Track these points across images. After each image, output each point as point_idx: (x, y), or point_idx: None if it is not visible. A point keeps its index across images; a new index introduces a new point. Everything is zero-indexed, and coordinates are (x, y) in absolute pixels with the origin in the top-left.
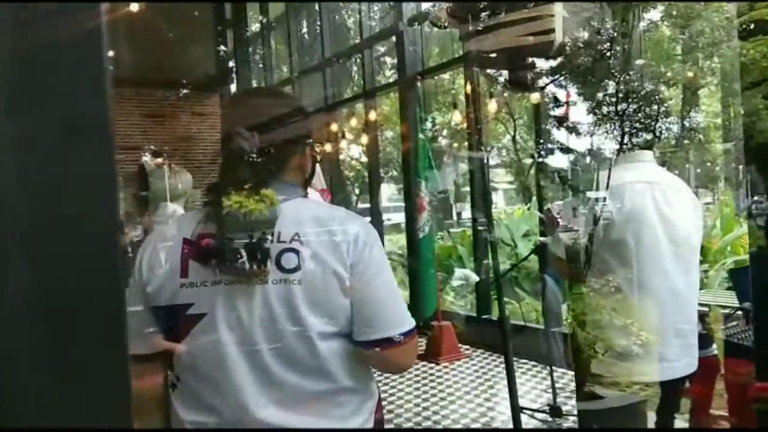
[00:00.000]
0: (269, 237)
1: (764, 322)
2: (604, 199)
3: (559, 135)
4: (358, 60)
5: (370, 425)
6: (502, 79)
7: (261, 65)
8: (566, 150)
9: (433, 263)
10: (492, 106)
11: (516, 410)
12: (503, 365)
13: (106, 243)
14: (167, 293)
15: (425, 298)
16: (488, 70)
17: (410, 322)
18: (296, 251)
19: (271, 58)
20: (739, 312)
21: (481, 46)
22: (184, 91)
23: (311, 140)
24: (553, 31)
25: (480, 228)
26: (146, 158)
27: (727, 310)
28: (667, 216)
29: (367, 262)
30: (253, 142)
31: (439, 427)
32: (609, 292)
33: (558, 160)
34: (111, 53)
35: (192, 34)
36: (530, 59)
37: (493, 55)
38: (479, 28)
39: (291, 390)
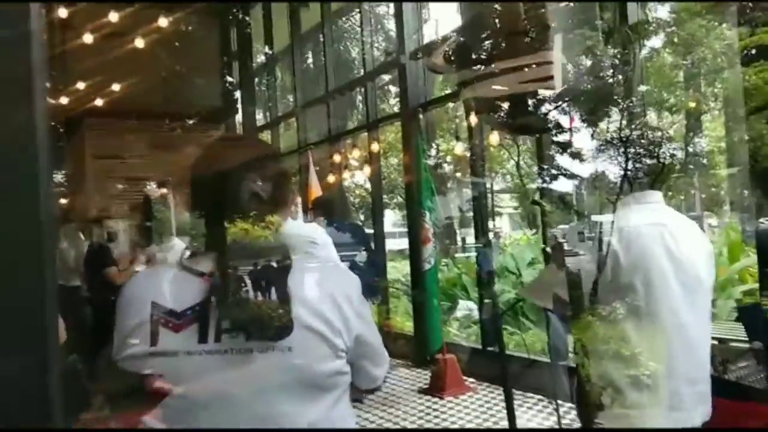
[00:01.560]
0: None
1: None
2: (609, 241)
3: (563, 160)
4: (362, 91)
5: None
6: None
7: (266, 96)
8: (571, 176)
9: (437, 294)
10: (494, 137)
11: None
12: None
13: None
14: (136, 360)
15: (431, 332)
16: (487, 114)
17: (386, 357)
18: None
19: (276, 90)
20: (750, 351)
21: (478, 93)
22: (190, 122)
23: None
24: (551, 78)
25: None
26: (151, 188)
27: (738, 347)
28: (678, 260)
29: (360, 315)
30: (266, 193)
31: None
32: (616, 320)
33: (562, 185)
34: (116, 85)
35: (198, 66)
36: (530, 103)
37: (495, 100)
38: (476, 76)
39: None
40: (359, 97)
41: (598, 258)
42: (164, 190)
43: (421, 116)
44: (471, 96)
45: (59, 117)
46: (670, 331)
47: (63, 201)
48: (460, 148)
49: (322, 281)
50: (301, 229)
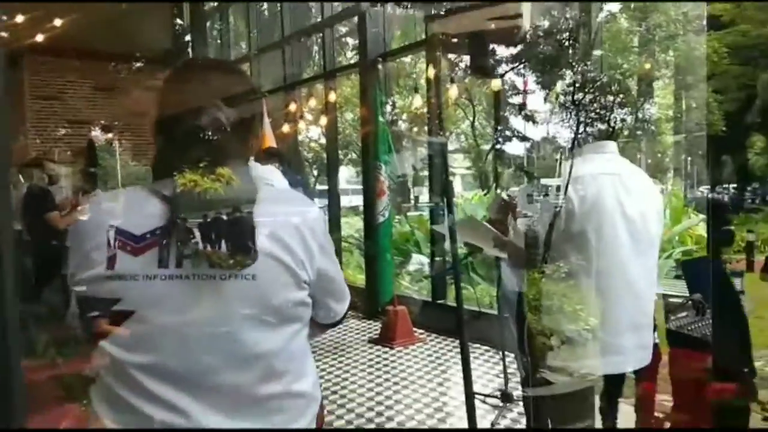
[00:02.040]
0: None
1: (723, 318)
2: (565, 189)
3: (517, 123)
4: (319, 40)
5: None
6: (463, 65)
7: (218, 41)
8: (523, 138)
9: (390, 248)
10: (453, 91)
11: (470, 398)
12: (457, 350)
13: None
14: (93, 284)
15: (382, 284)
16: (450, 55)
17: (348, 293)
18: (252, 242)
19: (229, 34)
20: (690, 302)
21: (446, 28)
22: (138, 64)
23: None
24: (520, 16)
25: (439, 213)
26: (95, 133)
27: (679, 300)
28: (627, 208)
29: (323, 249)
30: (227, 116)
31: (398, 414)
32: (561, 278)
33: (515, 147)
34: (59, 21)
35: (148, 5)
36: (493, 45)
37: (455, 39)
38: (445, 10)
39: (232, 394)
40: (316, 48)
41: (552, 207)
42: (110, 136)
43: (380, 67)
44: (439, 31)
45: None
46: (617, 282)
47: None
48: (418, 101)
49: (287, 212)
50: (257, 170)
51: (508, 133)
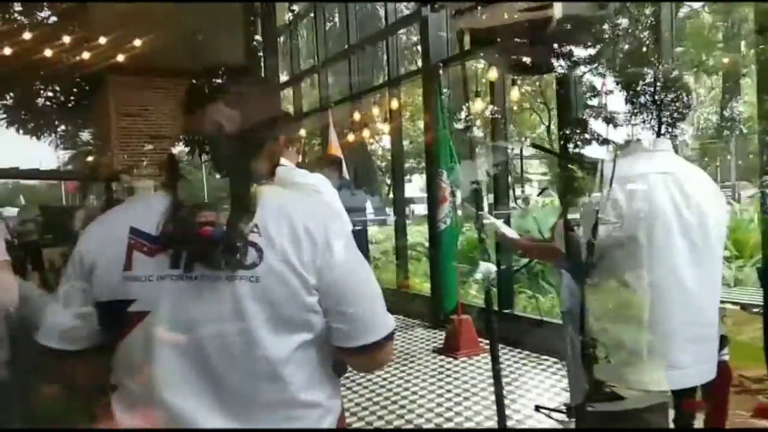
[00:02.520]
0: (249, 227)
1: None
2: (609, 189)
3: (596, 125)
4: (384, 48)
5: None
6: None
7: (290, 55)
8: (604, 141)
9: (454, 256)
10: (515, 93)
11: (501, 407)
12: (523, 361)
13: None
14: (108, 287)
15: (446, 292)
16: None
17: (391, 322)
18: (255, 245)
19: (298, 48)
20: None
21: (473, 24)
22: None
23: (285, 126)
24: (549, 6)
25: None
26: (178, 148)
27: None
28: (684, 211)
29: (335, 261)
30: (235, 122)
31: (452, 423)
32: (613, 287)
33: (596, 151)
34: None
35: (221, 24)
36: (529, 39)
37: (485, 35)
38: (470, 4)
39: (238, 400)
40: (385, 57)
41: (594, 210)
42: (189, 150)
43: (441, 72)
44: (465, 27)
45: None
46: (673, 290)
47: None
48: (479, 105)
49: (298, 213)
50: (307, 177)
51: (586, 136)
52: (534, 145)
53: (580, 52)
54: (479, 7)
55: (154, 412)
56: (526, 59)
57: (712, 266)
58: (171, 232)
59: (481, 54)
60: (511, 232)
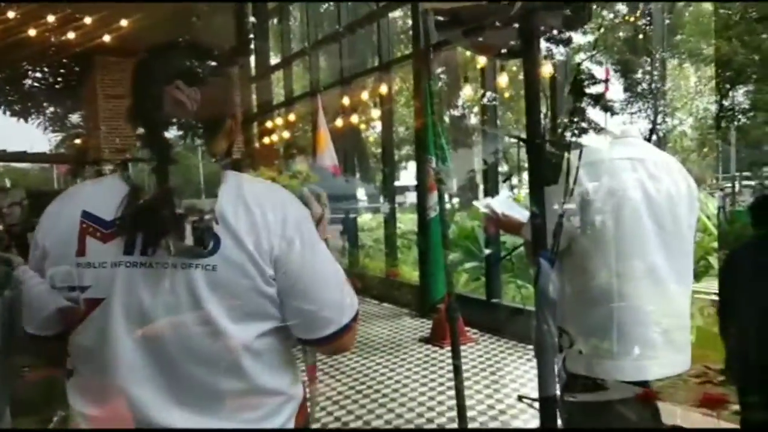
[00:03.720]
0: (207, 214)
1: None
2: (575, 176)
3: (594, 113)
4: (377, 32)
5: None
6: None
7: (281, 37)
8: (600, 130)
9: (443, 245)
10: (503, 78)
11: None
12: (509, 351)
13: None
14: (60, 273)
15: (433, 281)
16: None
17: (354, 305)
18: (211, 232)
19: (290, 31)
20: None
21: (437, 5)
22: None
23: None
24: None
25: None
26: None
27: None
28: (653, 194)
29: (293, 253)
30: (193, 100)
31: (440, 416)
32: (580, 273)
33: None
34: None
35: (211, 6)
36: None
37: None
38: None
39: (195, 389)
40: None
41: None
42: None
43: (432, 57)
44: (429, 8)
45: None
46: (640, 273)
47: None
48: (468, 91)
49: (257, 201)
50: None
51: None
52: (508, 134)
53: (548, 35)
54: None
55: (110, 399)
56: (494, 42)
57: (682, 255)
58: (124, 216)
59: (446, 37)
60: (518, 212)
